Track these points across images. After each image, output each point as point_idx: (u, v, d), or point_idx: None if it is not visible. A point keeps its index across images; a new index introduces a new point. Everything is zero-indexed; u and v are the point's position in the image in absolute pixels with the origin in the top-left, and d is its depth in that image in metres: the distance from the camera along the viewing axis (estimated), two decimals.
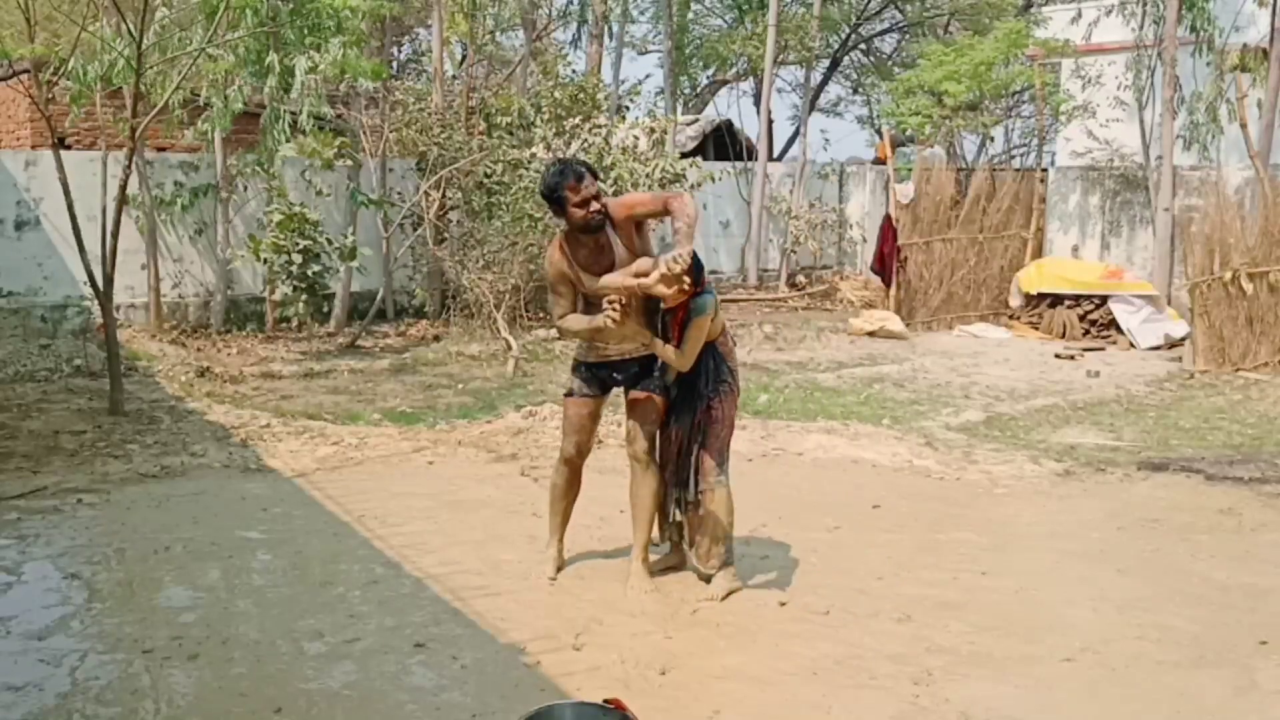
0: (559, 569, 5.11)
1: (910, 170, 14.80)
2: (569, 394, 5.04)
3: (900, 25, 23.60)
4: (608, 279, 4.65)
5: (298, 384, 9.67)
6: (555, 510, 5.19)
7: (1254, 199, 11.55)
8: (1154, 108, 13.48)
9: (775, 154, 20.82)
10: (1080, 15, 14.97)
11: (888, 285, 14.09)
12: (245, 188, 12.20)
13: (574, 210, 4.63)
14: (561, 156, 4.93)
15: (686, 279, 4.49)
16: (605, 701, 3.30)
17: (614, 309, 4.51)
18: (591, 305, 4.76)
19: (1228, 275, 10.79)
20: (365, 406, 8.75)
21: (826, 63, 22.53)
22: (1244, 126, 12.29)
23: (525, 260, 12.15)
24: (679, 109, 19.48)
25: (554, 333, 12.05)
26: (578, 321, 4.78)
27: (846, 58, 23.99)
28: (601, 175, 12.96)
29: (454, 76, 15.89)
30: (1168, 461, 7.35)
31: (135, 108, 8.30)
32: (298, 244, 11.19)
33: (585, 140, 13.51)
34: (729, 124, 19.33)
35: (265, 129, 10.62)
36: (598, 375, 4.96)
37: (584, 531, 5.68)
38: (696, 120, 19.74)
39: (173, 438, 7.44)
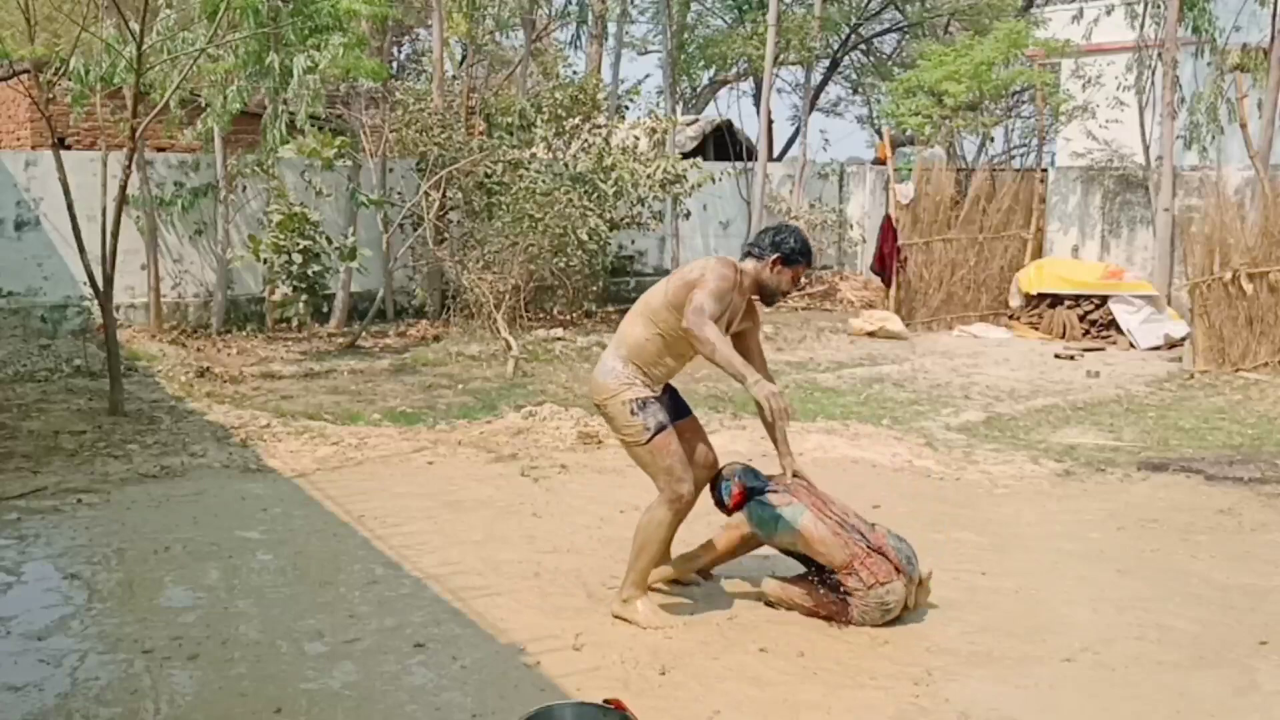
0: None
1: (910, 170, 14.80)
2: (661, 429, 4.46)
3: (900, 25, 23.58)
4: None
5: (298, 384, 9.67)
6: (655, 559, 4.63)
7: (1254, 199, 11.55)
8: (1154, 108, 13.48)
9: (775, 154, 20.82)
10: (1082, 14, 14.96)
11: (888, 285, 14.09)
12: (245, 188, 12.20)
13: (785, 282, 4.61)
14: (796, 231, 4.67)
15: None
16: (605, 701, 3.29)
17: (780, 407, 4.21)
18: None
19: (1228, 275, 10.79)
20: (365, 407, 8.75)
21: (826, 63, 22.51)
22: (1244, 126, 12.29)
23: (525, 260, 12.16)
24: (679, 109, 19.47)
25: (554, 333, 12.07)
26: (727, 349, 4.25)
27: (846, 58, 23.97)
28: (602, 175, 13.04)
29: (454, 76, 15.89)
30: (1168, 461, 7.35)
31: (135, 108, 8.30)
32: (298, 244, 11.20)
33: (585, 140, 13.52)
34: (729, 124, 19.33)
35: (265, 129, 10.62)
36: (662, 402, 4.62)
37: (584, 532, 5.68)
38: (696, 120, 19.74)
39: (173, 438, 7.44)
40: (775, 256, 4.55)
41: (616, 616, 4.56)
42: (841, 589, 4.52)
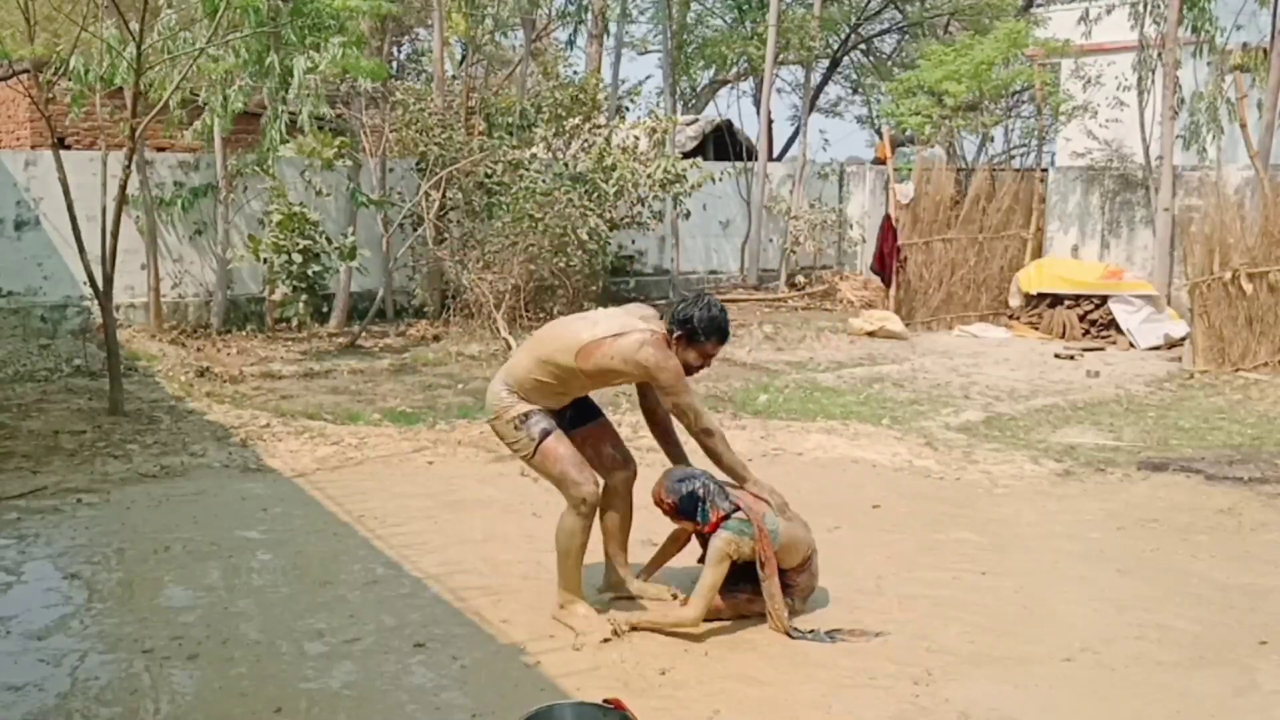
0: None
1: (910, 170, 14.79)
2: (546, 434, 4.48)
3: (900, 25, 23.59)
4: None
5: (298, 384, 9.67)
6: (579, 563, 4.57)
7: (1254, 199, 11.55)
8: (1154, 108, 13.48)
9: (775, 154, 20.81)
10: (1088, 14, 14.95)
11: (887, 285, 14.08)
12: (245, 188, 12.20)
13: (698, 359, 4.50)
14: (712, 300, 4.55)
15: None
16: (605, 701, 3.30)
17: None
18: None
19: (1228, 275, 10.79)
20: (365, 406, 8.75)
21: (826, 63, 22.52)
22: (1244, 126, 12.28)
23: (525, 260, 12.15)
24: (679, 109, 19.48)
25: None
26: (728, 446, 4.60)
27: (846, 58, 23.98)
28: (602, 175, 13.04)
29: (454, 76, 15.88)
30: (1168, 461, 7.35)
31: (135, 108, 8.30)
32: (298, 244, 11.19)
33: (585, 140, 13.52)
34: (729, 124, 19.33)
35: (265, 129, 10.62)
36: (549, 412, 4.60)
37: None
38: (696, 120, 19.74)
39: (173, 438, 7.44)
40: (678, 334, 4.45)
41: (555, 619, 4.54)
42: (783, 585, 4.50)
